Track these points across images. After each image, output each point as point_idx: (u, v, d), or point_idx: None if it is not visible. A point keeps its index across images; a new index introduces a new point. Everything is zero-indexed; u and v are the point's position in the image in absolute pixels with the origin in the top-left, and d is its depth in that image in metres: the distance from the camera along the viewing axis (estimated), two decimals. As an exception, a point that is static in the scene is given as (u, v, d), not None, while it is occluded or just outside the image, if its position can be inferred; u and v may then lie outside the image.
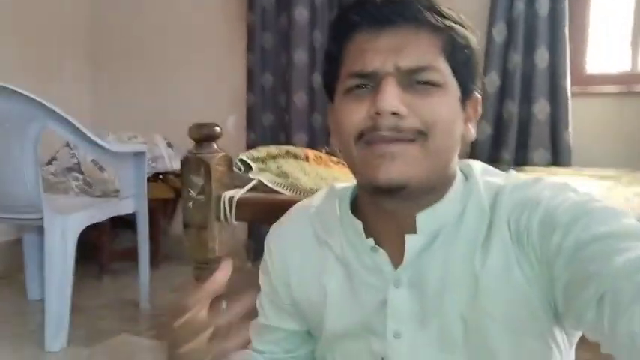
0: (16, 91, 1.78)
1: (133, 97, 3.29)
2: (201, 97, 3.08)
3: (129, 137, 3.08)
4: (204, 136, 1.31)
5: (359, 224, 0.69)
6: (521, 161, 2.24)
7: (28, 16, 2.97)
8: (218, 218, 1.29)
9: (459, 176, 0.69)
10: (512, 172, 0.70)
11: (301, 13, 2.63)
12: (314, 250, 0.75)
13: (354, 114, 0.62)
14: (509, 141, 2.26)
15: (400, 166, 0.60)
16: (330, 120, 0.71)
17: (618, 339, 0.47)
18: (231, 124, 3.04)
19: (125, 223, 2.36)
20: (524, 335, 0.62)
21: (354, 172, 0.67)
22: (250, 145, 2.78)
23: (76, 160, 2.87)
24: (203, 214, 1.29)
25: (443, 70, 0.62)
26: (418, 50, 0.61)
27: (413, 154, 0.60)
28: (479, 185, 0.67)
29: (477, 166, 0.71)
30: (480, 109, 0.71)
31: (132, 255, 2.41)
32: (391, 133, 0.60)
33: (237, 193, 1.30)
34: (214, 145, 1.33)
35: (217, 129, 1.32)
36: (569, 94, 2.20)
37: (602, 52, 2.39)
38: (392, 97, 0.59)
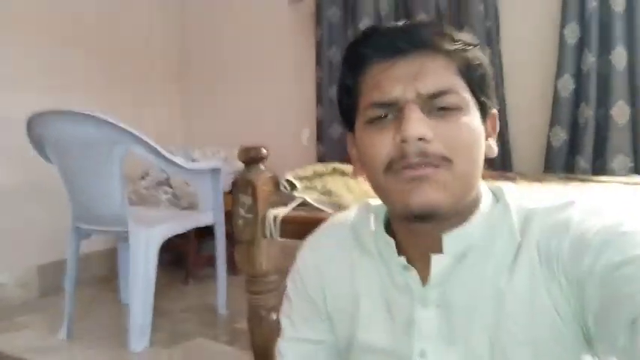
0: (102, 119, 1.97)
1: (217, 115, 3.51)
2: (277, 112, 3.22)
3: (212, 152, 3.28)
4: (250, 158, 1.39)
5: (392, 242, 0.70)
6: (599, 169, 2.10)
7: (123, 43, 3.28)
8: (264, 235, 1.36)
9: (489, 198, 0.69)
10: (546, 197, 0.69)
11: (366, 25, 2.66)
12: (353, 258, 0.76)
13: (379, 145, 0.62)
14: (585, 147, 2.12)
15: (430, 190, 0.60)
16: (351, 149, 0.73)
17: None
18: (305, 137, 3.14)
19: (211, 232, 2.52)
20: None
21: (385, 201, 0.67)
22: (320, 158, 2.85)
23: (165, 175, 3.08)
24: (251, 231, 1.37)
25: (462, 93, 0.62)
26: (436, 75, 0.61)
27: (441, 178, 0.60)
28: (510, 208, 0.66)
29: (509, 189, 0.70)
30: (497, 124, 0.70)
31: (215, 262, 2.55)
32: (419, 158, 0.60)
33: (281, 212, 1.36)
34: (261, 167, 1.41)
35: (263, 151, 1.39)
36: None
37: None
38: (418, 123, 0.59)
